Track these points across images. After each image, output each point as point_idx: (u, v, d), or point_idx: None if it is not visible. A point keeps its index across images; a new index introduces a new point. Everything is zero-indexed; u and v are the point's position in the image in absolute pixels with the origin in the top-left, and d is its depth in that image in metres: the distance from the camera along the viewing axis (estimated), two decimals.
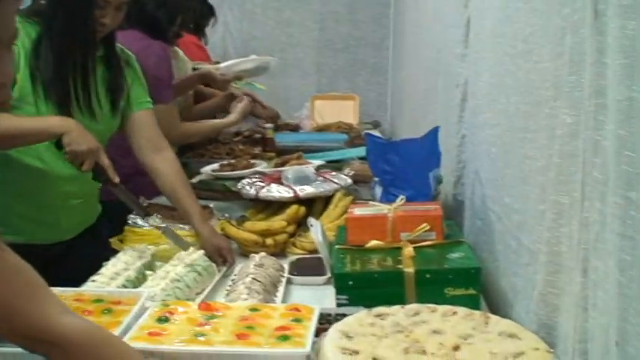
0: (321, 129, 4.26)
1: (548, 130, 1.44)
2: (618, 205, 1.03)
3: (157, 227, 1.92)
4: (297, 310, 1.45)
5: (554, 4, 1.37)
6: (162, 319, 1.40)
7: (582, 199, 1.19)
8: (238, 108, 2.90)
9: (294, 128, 4.35)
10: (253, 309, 1.46)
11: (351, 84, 5.33)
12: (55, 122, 1.88)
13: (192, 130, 2.82)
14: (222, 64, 3.13)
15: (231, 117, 2.90)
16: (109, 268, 1.77)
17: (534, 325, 1.43)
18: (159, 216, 1.98)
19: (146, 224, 2.08)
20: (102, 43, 2.03)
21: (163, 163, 2.10)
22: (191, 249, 1.90)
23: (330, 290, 1.88)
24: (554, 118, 1.39)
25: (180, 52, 3.24)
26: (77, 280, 1.74)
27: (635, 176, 0.98)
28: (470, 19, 2.26)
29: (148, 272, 1.83)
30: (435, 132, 2.22)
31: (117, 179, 1.91)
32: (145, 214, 1.97)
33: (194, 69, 3.27)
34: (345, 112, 4.67)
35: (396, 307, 1.48)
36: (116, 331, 1.35)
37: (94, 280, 1.71)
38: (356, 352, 1.28)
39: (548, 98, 1.44)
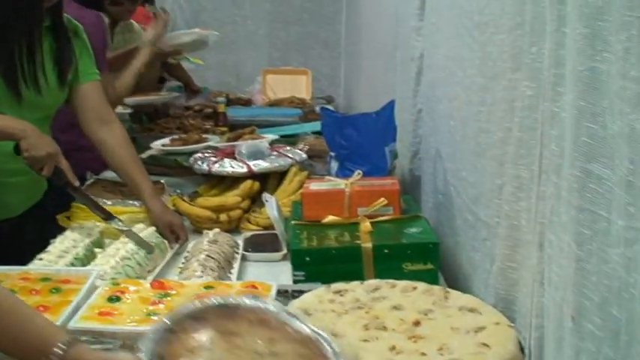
0: (274, 104, 4.20)
1: (506, 103, 1.42)
2: (576, 177, 1.01)
3: (120, 230, 1.85)
4: (254, 287, 1.42)
5: None
6: (114, 299, 1.35)
7: (540, 172, 1.18)
8: (146, 37, 2.78)
9: (246, 103, 4.27)
10: (208, 287, 1.42)
11: (303, 58, 5.26)
12: (12, 125, 1.81)
13: (122, 88, 2.71)
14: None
15: (143, 51, 2.75)
16: (57, 245, 1.71)
17: (492, 299, 1.42)
18: (121, 219, 1.90)
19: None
20: (49, 13, 1.94)
21: (111, 137, 2.04)
22: (156, 252, 1.82)
23: (287, 267, 1.85)
24: (513, 90, 1.38)
25: (135, 25, 3.14)
26: (25, 259, 1.68)
27: (596, 148, 0.96)
28: None
29: (97, 250, 1.77)
30: (390, 106, 2.20)
31: (77, 183, 1.88)
32: (107, 216, 1.89)
33: None
34: (297, 86, 4.60)
35: (355, 283, 1.46)
36: (65, 311, 1.30)
37: (41, 259, 1.64)
38: None
39: (506, 70, 1.42)
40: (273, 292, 1.40)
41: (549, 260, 1.12)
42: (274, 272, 1.83)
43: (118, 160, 2.03)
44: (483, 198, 1.65)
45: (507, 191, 1.37)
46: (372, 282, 1.46)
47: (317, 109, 4.06)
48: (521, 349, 1.25)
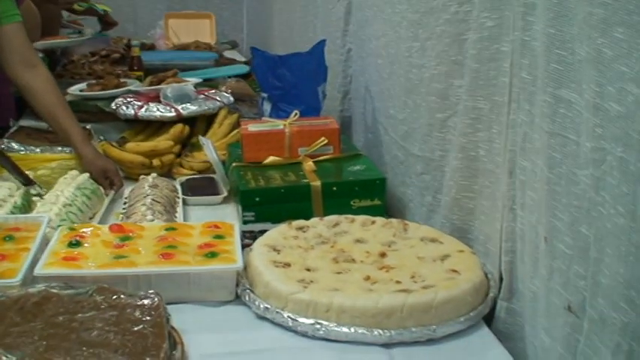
0: (179, 49, 4.09)
1: (450, 37, 1.44)
2: (548, 103, 1.05)
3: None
4: (217, 226, 1.40)
5: None
6: (74, 244, 1.30)
7: (509, 101, 1.21)
8: None
9: (150, 48, 4.13)
10: (169, 228, 1.39)
11: (203, 2, 5.12)
12: None
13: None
14: None
15: None
16: None
17: (446, 229, 1.46)
18: (40, 186, 1.79)
19: (22, 149, 1.92)
20: None
21: (37, 81, 1.93)
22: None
23: (229, 209, 1.85)
24: (461, 23, 1.40)
25: None
26: None
27: (565, 74, 1.01)
28: None
29: (34, 198, 1.69)
30: (321, 46, 2.18)
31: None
32: (26, 181, 1.78)
33: None
34: (201, 31, 4.49)
35: (314, 220, 1.47)
36: (26, 259, 1.24)
37: None
38: (287, 265, 1.26)
39: (449, 4, 1.43)
40: (237, 230, 1.39)
41: (522, 186, 1.16)
42: (217, 215, 1.80)
43: (45, 106, 1.92)
44: (417, 133, 1.67)
45: (462, 123, 1.40)
46: (332, 217, 1.47)
47: (225, 54, 3.99)
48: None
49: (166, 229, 1.38)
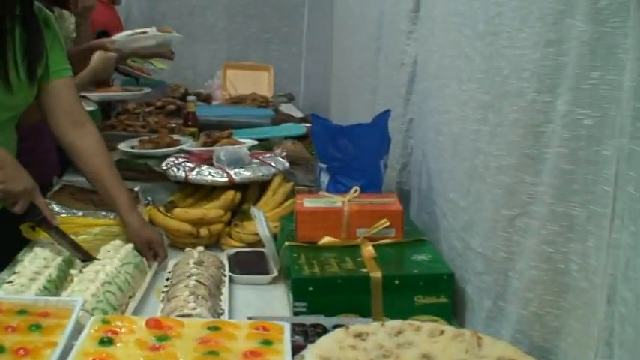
0: (235, 101, 4.01)
1: (527, 128, 1.29)
2: None
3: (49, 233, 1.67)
4: (265, 328, 1.24)
5: None
6: (106, 341, 1.16)
7: (612, 216, 1.04)
8: (94, 59, 2.56)
9: (206, 98, 4.08)
10: (212, 327, 1.24)
11: (262, 53, 5.05)
12: None
13: None
14: (118, 37, 2.78)
15: (87, 69, 2.55)
16: (26, 265, 1.50)
17: (524, 346, 1.28)
18: (99, 258, 1.65)
19: (63, 212, 1.81)
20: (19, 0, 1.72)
21: (85, 141, 1.82)
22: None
23: (279, 291, 1.71)
24: (539, 113, 1.24)
25: (65, 12, 2.85)
26: None
27: None
28: None
29: (72, 271, 1.56)
30: (385, 116, 2.05)
31: (55, 221, 1.68)
32: (85, 257, 1.66)
33: (100, 35, 2.92)
34: (259, 83, 4.42)
35: (375, 325, 1.30)
36: (52, 356, 1.10)
37: (11, 282, 1.43)
38: None
39: (526, 90, 1.28)
40: (287, 335, 1.23)
41: (621, 319, 0.99)
42: (265, 298, 1.67)
43: (92, 168, 1.81)
44: (478, 227, 1.51)
45: (547, 229, 1.23)
46: (394, 324, 1.30)
47: (282, 108, 3.90)
48: None
49: (209, 328, 1.23)
